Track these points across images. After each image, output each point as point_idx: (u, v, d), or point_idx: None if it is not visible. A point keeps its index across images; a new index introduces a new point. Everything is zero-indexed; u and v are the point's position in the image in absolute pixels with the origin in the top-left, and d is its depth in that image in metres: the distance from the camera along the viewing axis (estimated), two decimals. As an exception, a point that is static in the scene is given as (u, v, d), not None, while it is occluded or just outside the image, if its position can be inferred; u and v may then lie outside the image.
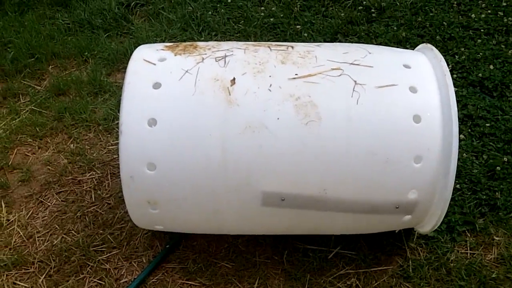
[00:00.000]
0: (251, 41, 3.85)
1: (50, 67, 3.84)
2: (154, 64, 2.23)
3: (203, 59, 2.25)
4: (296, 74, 2.20)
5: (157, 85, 2.16)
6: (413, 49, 2.60)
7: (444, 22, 3.89)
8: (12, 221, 2.83)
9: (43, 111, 3.45)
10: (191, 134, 2.11)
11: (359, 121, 2.12)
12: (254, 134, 2.09)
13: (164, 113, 2.12)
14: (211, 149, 2.10)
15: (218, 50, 2.31)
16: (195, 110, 2.12)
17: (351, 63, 2.26)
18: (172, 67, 2.22)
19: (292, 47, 2.37)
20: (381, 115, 2.13)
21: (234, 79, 2.16)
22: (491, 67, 3.47)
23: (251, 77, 2.18)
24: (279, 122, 2.10)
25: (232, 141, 2.10)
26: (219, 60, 2.24)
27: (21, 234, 2.77)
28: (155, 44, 2.45)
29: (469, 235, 2.69)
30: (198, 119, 2.11)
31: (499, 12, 3.91)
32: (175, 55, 2.27)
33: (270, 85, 2.16)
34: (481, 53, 3.59)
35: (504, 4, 3.98)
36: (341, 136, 2.11)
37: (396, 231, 2.63)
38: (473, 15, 3.91)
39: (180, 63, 2.23)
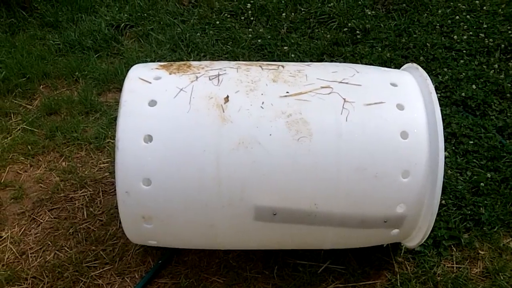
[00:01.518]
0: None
1: (41, 86, 3.88)
2: (150, 83, 2.29)
3: (197, 77, 2.31)
4: (287, 92, 2.27)
5: (152, 103, 2.22)
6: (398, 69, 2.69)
7: (427, 44, 4.00)
8: (5, 238, 2.85)
9: (35, 130, 3.49)
10: (186, 150, 2.16)
11: (349, 137, 2.19)
12: (247, 150, 2.15)
13: (160, 130, 2.17)
14: (205, 165, 2.16)
15: (211, 69, 2.38)
16: (189, 126, 2.18)
17: (340, 82, 2.33)
18: (167, 85, 2.28)
19: (283, 66, 2.44)
20: (370, 132, 2.21)
21: (227, 96, 2.23)
22: (474, 86, 3.57)
23: (244, 95, 2.25)
24: (272, 138, 2.17)
25: (225, 156, 2.15)
26: (213, 78, 2.31)
27: (14, 250, 2.79)
28: (150, 63, 2.52)
29: (455, 250, 2.76)
30: (193, 136, 2.17)
31: (480, 34, 4.04)
32: (170, 74, 2.34)
33: (263, 102, 2.22)
34: (463, 73, 3.69)
35: (485, 26, 4.11)
36: (332, 152, 2.18)
37: (384, 246, 2.69)
38: (455, 37, 4.03)
39: (175, 82, 2.29)
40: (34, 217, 2.96)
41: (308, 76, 2.35)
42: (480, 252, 2.74)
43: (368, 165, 2.19)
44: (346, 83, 2.33)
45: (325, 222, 2.28)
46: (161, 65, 2.42)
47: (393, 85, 2.37)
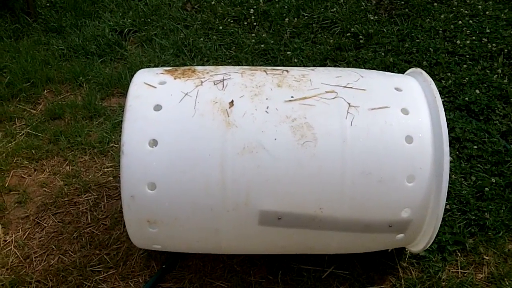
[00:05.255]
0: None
1: (45, 91, 3.88)
2: (155, 87, 2.30)
3: (202, 82, 2.32)
4: (292, 97, 2.27)
5: (157, 107, 2.22)
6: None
7: (430, 48, 4.00)
8: (9, 242, 2.85)
9: (39, 134, 3.49)
10: (191, 155, 2.17)
11: (354, 141, 2.19)
12: (252, 155, 2.16)
13: (165, 134, 2.18)
14: (210, 169, 2.16)
15: (216, 74, 2.38)
16: (194, 131, 2.18)
17: (345, 86, 2.34)
18: (172, 90, 2.28)
19: (287, 71, 2.45)
20: (374, 136, 2.21)
21: (232, 101, 2.23)
22: (477, 91, 3.58)
23: (249, 99, 2.25)
24: (276, 143, 2.17)
25: (230, 161, 2.16)
26: (218, 83, 2.32)
27: (18, 254, 2.79)
28: (155, 68, 2.52)
29: (459, 255, 2.75)
30: (198, 140, 2.17)
31: (483, 39, 4.04)
32: (175, 79, 2.34)
33: (267, 107, 2.23)
34: (467, 78, 3.70)
35: (488, 30, 4.11)
36: (336, 156, 2.18)
37: (389, 250, 2.69)
38: (458, 42, 4.03)
39: (179, 86, 2.30)
40: (38, 221, 2.96)
41: (313, 81, 2.36)
42: (485, 257, 2.73)
43: (373, 170, 2.19)
44: (351, 87, 2.34)
45: (330, 226, 2.28)
46: (166, 70, 2.43)
47: (398, 89, 2.37)
